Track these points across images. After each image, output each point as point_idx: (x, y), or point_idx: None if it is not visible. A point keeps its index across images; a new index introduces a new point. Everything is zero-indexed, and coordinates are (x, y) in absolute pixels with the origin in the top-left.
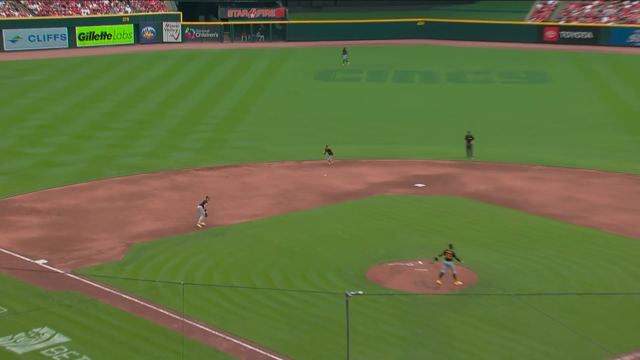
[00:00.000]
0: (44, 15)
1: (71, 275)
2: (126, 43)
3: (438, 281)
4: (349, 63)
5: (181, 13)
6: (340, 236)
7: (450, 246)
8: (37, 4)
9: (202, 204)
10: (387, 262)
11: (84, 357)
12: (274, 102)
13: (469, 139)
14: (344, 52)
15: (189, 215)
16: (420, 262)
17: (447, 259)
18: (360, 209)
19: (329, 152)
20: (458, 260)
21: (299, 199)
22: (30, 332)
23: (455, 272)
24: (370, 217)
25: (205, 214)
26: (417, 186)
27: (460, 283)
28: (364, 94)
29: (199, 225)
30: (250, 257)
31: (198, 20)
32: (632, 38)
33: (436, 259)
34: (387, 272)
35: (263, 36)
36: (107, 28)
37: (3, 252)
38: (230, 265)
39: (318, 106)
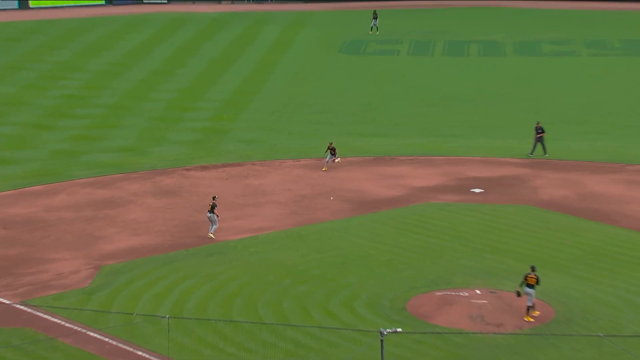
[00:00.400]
0: None
1: (21, 307)
2: (95, 3)
3: (527, 318)
4: (378, 32)
5: None
6: (373, 256)
7: (533, 269)
8: None
9: (212, 210)
10: (434, 290)
11: None
12: (287, 82)
13: (538, 131)
14: (374, 15)
15: (176, 229)
16: (477, 291)
17: (529, 285)
18: (399, 220)
19: (332, 151)
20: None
21: (320, 208)
22: None
23: (530, 304)
24: (412, 231)
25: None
26: (473, 191)
27: (531, 320)
28: (405, 71)
29: (211, 236)
30: (256, 283)
31: None
32: None
33: (519, 294)
34: (435, 304)
35: None
36: None
37: None
38: (230, 294)
39: (345, 87)
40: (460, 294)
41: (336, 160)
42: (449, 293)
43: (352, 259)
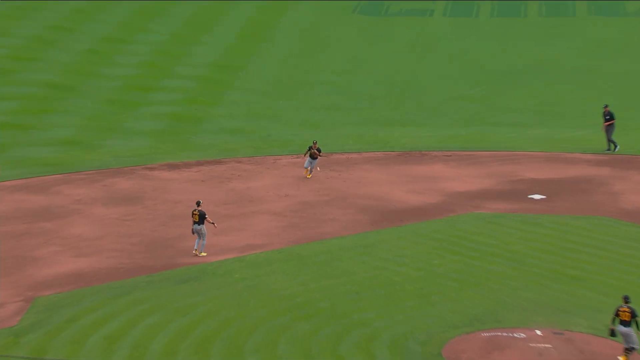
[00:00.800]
0: None
1: None
2: None
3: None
4: None
5: None
6: (398, 284)
7: (626, 300)
8: None
9: (202, 220)
10: (479, 330)
11: None
12: (284, 53)
13: (606, 117)
14: None
15: (135, 248)
16: (538, 332)
17: (624, 323)
18: (432, 237)
19: (315, 154)
20: (638, 326)
21: (327, 219)
22: None
23: (635, 345)
24: (450, 251)
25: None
26: (532, 198)
27: None
28: (441, 38)
29: (203, 254)
30: (243, 320)
31: None
32: None
33: (613, 333)
34: (480, 348)
35: None
36: None
37: None
38: (208, 334)
39: (361, 60)
40: (515, 335)
41: (308, 171)
42: (499, 334)
43: (370, 287)
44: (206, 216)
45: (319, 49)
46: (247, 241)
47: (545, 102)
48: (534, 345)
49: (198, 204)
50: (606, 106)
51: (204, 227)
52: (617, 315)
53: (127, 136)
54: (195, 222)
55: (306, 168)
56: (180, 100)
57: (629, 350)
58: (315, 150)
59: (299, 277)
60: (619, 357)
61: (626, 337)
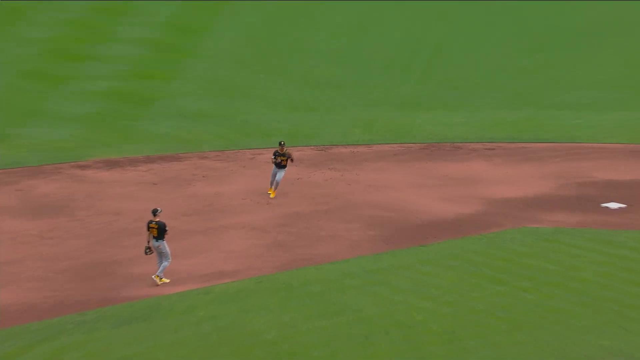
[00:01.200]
0: None
1: None
2: None
3: None
4: None
5: None
6: (421, 324)
7: None
8: None
9: (162, 234)
10: None
11: None
12: (266, 9)
13: None
14: None
15: (63, 276)
16: None
17: None
18: (469, 261)
19: (283, 161)
20: None
21: (325, 236)
22: None
23: None
24: (493, 279)
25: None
26: (606, 207)
27: None
28: None
29: (163, 280)
30: None
31: None
32: None
33: None
34: None
35: None
36: None
37: None
38: None
39: (371, 19)
40: None
41: (278, 177)
42: None
43: (383, 329)
44: (167, 229)
45: (313, 2)
46: (216, 266)
47: (626, 75)
48: None
49: (155, 212)
50: None
51: (165, 244)
52: None
53: (49, 122)
54: (154, 237)
55: (274, 182)
56: (124, 73)
57: None
58: (283, 156)
59: (286, 314)
60: None
61: None
